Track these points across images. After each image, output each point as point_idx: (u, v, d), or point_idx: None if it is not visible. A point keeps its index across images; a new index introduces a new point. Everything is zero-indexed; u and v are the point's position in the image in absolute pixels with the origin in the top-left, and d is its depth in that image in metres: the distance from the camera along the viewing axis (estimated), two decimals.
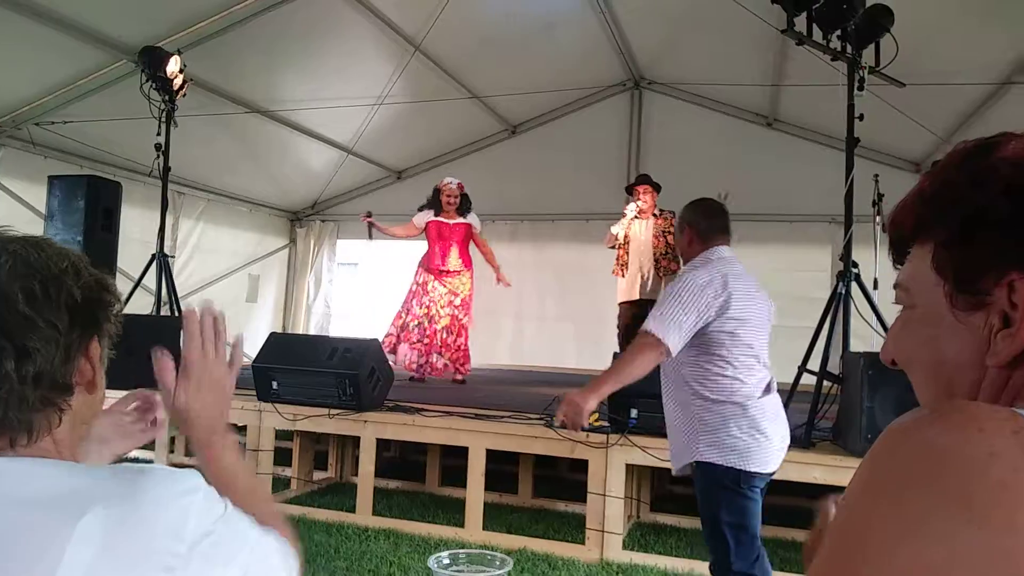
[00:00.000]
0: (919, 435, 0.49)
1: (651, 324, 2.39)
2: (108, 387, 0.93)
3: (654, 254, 6.07)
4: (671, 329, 2.35)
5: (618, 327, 6.32)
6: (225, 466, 0.96)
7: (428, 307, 6.26)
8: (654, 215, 6.13)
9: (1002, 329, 0.55)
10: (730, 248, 2.60)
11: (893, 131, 6.05)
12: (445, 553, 1.22)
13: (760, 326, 2.51)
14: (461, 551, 1.22)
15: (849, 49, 4.11)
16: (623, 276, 6.20)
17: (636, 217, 6.14)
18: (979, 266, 0.57)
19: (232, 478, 0.94)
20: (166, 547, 0.70)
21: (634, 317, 5.79)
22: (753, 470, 2.37)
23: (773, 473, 2.47)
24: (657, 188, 6.21)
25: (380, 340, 4.47)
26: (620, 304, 6.26)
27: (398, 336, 6.25)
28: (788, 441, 2.56)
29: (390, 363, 6.06)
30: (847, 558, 0.47)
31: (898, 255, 0.66)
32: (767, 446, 2.42)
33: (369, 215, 6.40)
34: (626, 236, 6.16)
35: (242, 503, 0.83)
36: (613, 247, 6.26)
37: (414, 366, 6.23)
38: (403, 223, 6.50)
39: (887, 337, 0.69)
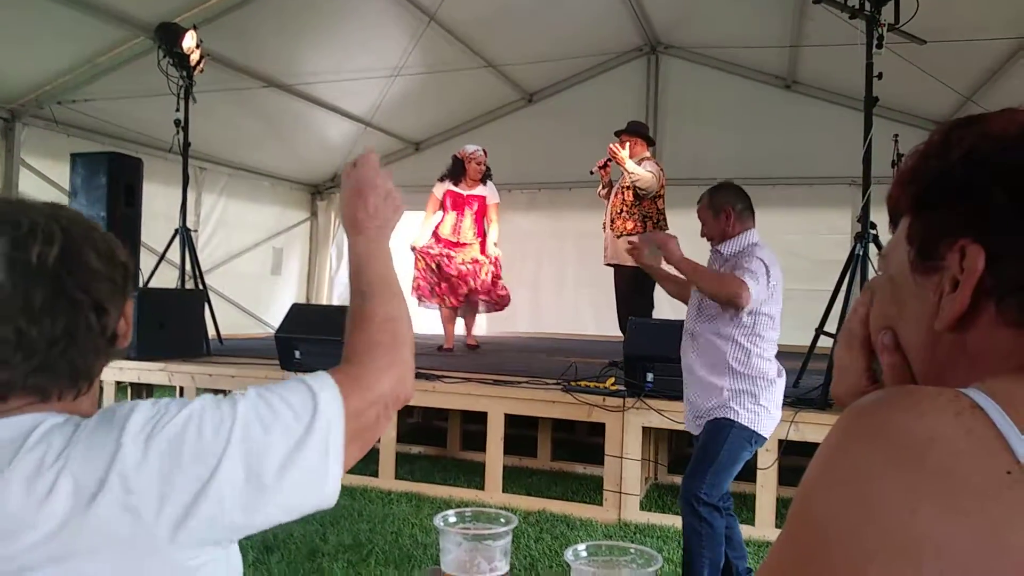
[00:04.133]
0: (869, 420, 0.50)
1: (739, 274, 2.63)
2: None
3: (611, 212, 5.54)
4: (759, 282, 2.60)
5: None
6: (358, 255, 1.05)
7: (455, 271, 6.06)
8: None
9: (950, 293, 0.56)
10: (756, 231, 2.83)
11: (914, 90, 5.94)
12: (451, 511, 1.26)
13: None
14: (467, 510, 1.26)
15: (868, 7, 4.05)
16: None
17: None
18: (937, 232, 0.57)
19: (360, 270, 1.03)
20: (115, 481, 0.73)
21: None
22: (764, 434, 2.76)
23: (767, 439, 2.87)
24: (640, 136, 5.69)
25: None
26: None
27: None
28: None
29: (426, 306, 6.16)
30: (809, 552, 0.48)
31: (895, 228, 0.66)
32: (776, 417, 2.82)
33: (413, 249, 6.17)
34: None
35: (359, 297, 1.00)
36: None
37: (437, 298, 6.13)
38: (429, 204, 6.14)
39: None
